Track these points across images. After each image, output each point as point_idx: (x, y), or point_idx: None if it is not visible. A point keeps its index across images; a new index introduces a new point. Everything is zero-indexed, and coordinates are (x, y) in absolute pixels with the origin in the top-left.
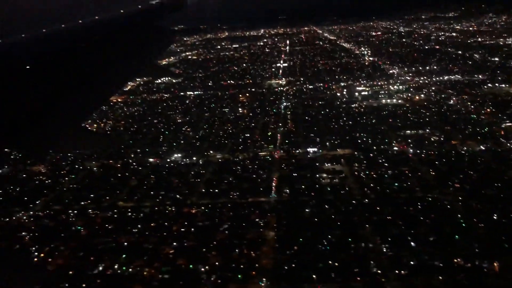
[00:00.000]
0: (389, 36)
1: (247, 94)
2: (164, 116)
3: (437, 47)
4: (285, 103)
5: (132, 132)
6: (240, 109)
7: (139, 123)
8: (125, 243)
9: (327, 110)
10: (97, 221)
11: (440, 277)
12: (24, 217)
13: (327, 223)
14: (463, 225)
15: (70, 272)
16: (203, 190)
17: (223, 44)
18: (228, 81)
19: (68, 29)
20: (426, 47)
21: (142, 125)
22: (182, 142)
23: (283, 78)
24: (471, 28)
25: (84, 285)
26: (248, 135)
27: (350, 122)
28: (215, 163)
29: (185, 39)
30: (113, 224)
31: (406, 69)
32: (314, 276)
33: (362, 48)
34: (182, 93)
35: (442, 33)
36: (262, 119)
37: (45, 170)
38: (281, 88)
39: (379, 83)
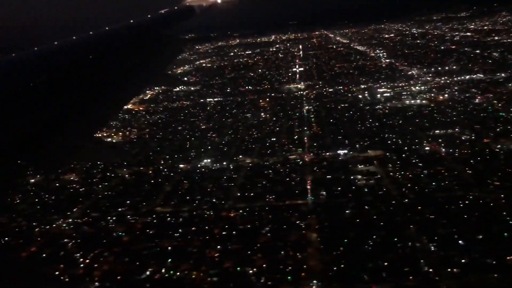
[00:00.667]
0: (402, 38)
1: (267, 99)
2: (188, 123)
3: (453, 47)
4: (307, 107)
5: (158, 139)
6: (262, 114)
7: (164, 130)
8: (169, 248)
9: (351, 113)
10: (137, 227)
11: (495, 275)
12: (64, 225)
13: (369, 224)
14: (510, 222)
15: (118, 277)
16: (238, 194)
17: (235, 51)
18: (246, 87)
19: (80, 41)
20: (442, 48)
21: (167, 132)
22: (209, 147)
23: (302, 82)
24: (485, 27)
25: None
26: (274, 139)
27: (377, 124)
28: (246, 167)
29: (197, 47)
30: (154, 230)
31: (425, 70)
32: (365, 276)
33: (377, 51)
34: (202, 100)
35: (457, 33)
36: (286, 123)
37: (77, 178)
38: (301, 92)
39: (400, 84)
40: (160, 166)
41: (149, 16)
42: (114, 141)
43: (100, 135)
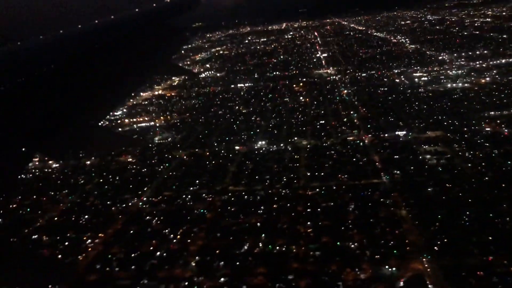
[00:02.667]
0: (420, 24)
1: (301, 84)
2: (227, 108)
3: (477, 32)
4: (345, 91)
5: (202, 123)
6: (301, 98)
7: (205, 115)
8: (258, 224)
9: (394, 96)
10: (217, 204)
11: None
12: (140, 203)
13: (457, 201)
14: None
15: (217, 252)
16: (308, 174)
17: (249, 38)
18: (274, 73)
19: (87, 30)
20: (466, 33)
21: (209, 116)
22: (258, 130)
23: (330, 68)
24: (504, 13)
25: (237, 263)
26: (322, 121)
27: (425, 106)
28: (305, 148)
29: (208, 35)
30: (235, 207)
31: (455, 54)
32: (474, 250)
33: (398, 37)
34: (232, 86)
35: (476, 19)
36: (330, 107)
37: (134, 160)
38: (333, 77)
39: (434, 69)
40: (216, 148)
41: (154, 5)
42: (149, 124)
43: (135, 119)
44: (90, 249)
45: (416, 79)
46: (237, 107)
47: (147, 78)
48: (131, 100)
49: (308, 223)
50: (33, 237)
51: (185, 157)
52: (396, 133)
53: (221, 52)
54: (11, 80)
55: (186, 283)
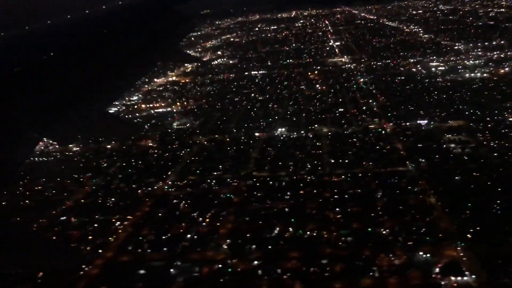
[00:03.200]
0: (432, 14)
1: (316, 72)
2: (243, 95)
3: (492, 22)
4: (361, 79)
5: (219, 110)
6: (317, 86)
7: (222, 101)
8: (286, 209)
9: (412, 85)
10: (242, 189)
11: None
12: (166, 187)
13: (486, 190)
14: None
15: (248, 235)
16: (332, 161)
17: (259, 26)
18: (288, 61)
19: (95, 15)
20: (480, 23)
21: (226, 102)
22: (276, 117)
23: (344, 56)
24: None
25: (269, 247)
26: (341, 109)
27: (445, 96)
28: (326, 136)
29: (217, 22)
30: (261, 192)
31: (471, 45)
32: (509, 239)
33: (411, 26)
34: (246, 73)
35: (490, 9)
36: (347, 95)
37: (155, 144)
38: (348, 66)
39: (451, 59)
40: (235, 134)
41: None
42: (166, 110)
43: (151, 105)
44: (120, 231)
45: (433, 69)
46: (252, 94)
47: (161, 65)
48: (146, 86)
49: (337, 209)
50: (61, 218)
51: (205, 142)
52: (418, 121)
53: (231, 39)
54: (20, 64)
55: (220, 265)
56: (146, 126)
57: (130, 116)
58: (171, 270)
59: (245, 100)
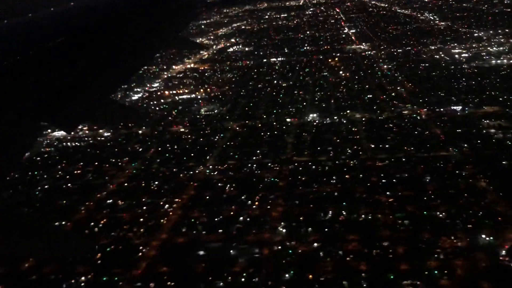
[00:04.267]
0: (445, 2)
1: (336, 59)
2: (265, 82)
3: (508, 10)
4: (385, 66)
5: (244, 96)
6: (340, 72)
7: (245, 88)
8: (335, 193)
9: (438, 72)
10: (286, 174)
11: None
12: (207, 171)
13: None
14: None
15: (301, 218)
16: (372, 146)
17: (269, 14)
18: (305, 48)
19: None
20: (496, 11)
21: (250, 89)
22: (305, 104)
23: (363, 43)
24: None
25: (326, 230)
26: (369, 95)
27: (474, 82)
28: (360, 122)
29: (225, 10)
30: (305, 176)
31: (491, 32)
32: None
33: (425, 14)
34: (265, 60)
35: None
36: (372, 81)
37: (186, 130)
38: (369, 52)
39: (473, 46)
40: (266, 120)
41: None
42: (190, 96)
43: (174, 91)
44: (171, 213)
45: (457, 56)
46: (275, 81)
47: (176, 52)
48: (165, 73)
49: (387, 193)
50: (108, 201)
51: (237, 128)
52: (452, 107)
53: (242, 27)
54: (25, 51)
55: (279, 247)
56: (173, 112)
57: (155, 102)
58: (231, 251)
59: (269, 87)
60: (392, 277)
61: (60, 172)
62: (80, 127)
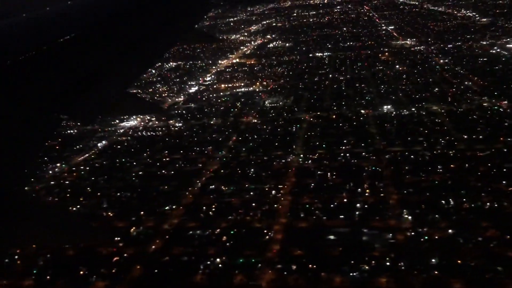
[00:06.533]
0: None
1: (386, 54)
2: (320, 75)
3: None
4: (441, 61)
5: (303, 89)
6: (397, 66)
7: (301, 81)
8: (448, 182)
9: (501, 66)
10: (385, 163)
11: None
12: (300, 160)
13: None
14: None
15: (422, 206)
16: (465, 136)
17: (296, 11)
18: (347, 43)
19: None
20: None
21: (306, 82)
22: (372, 95)
23: (408, 39)
24: None
25: (454, 217)
26: (437, 88)
27: None
28: (440, 113)
29: (249, 9)
30: (408, 165)
31: None
32: None
33: (462, 11)
34: (310, 55)
35: None
36: (435, 75)
37: (259, 121)
38: (418, 48)
39: None
40: (339, 111)
41: None
42: (248, 89)
43: (230, 85)
44: (282, 199)
45: None
46: (330, 75)
47: (216, 47)
48: (213, 67)
49: (503, 182)
50: (211, 187)
51: (311, 119)
52: None
53: (273, 24)
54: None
55: (412, 233)
56: (238, 104)
57: (214, 95)
58: (363, 237)
59: (326, 80)
60: None
61: (148, 160)
62: (148, 117)
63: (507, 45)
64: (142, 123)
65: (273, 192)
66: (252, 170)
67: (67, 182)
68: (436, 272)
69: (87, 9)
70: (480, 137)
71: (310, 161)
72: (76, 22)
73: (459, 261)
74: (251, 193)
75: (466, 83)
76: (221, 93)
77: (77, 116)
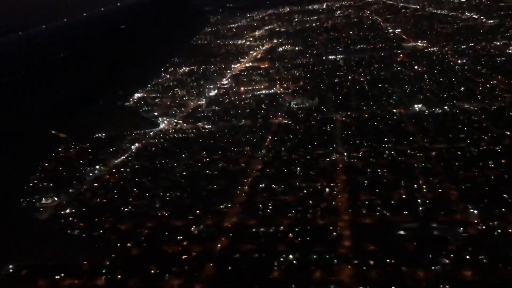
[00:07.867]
0: (481, 2)
1: (401, 55)
2: (339, 77)
3: None
4: (459, 61)
5: (326, 90)
6: (416, 67)
7: (322, 82)
8: (505, 176)
9: None
10: (435, 160)
11: None
12: (344, 158)
13: None
14: None
15: (485, 200)
16: (507, 133)
17: (297, 17)
18: (358, 46)
19: (110, 11)
20: None
21: (326, 83)
22: (398, 95)
23: (418, 41)
24: None
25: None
26: (463, 87)
27: None
28: (474, 111)
29: (248, 15)
30: (459, 161)
31: None
32: None
33: (466, 13)
34: (324, 58)
35: None
36: (457, 74)
37: (290, 121)
38: (431, 49)
39: None
40: (370, 111)
41: None
42: (269, 92)
43: (250, 88)
44: (339, 196)
45: None
46: (350, 76)
47: (224, 52)
48: (228, 71)
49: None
50: (261, 185)
51: (343, 118)
52: None
53: (277, 29)
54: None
55: (483, 227)
56: (263, 106)
57: (236, 97)
58: (434, 231)
59: (347, 81)
60: None
61: (189, 160)
62: (175, 120)
63: None
64: (171, 126)
65: (327, 190)
66: (299, 168)
67: (111, 183)
68: None
69: (85, 26)
70: None
71: (356, 159)
72: (71, 40)
73: None
74: (304, 191)
75: (491, 81)
76: (243, 96)
77: (73, 132)
